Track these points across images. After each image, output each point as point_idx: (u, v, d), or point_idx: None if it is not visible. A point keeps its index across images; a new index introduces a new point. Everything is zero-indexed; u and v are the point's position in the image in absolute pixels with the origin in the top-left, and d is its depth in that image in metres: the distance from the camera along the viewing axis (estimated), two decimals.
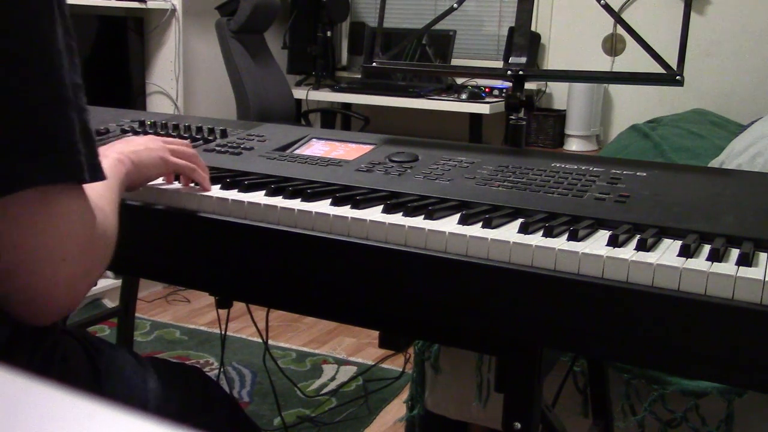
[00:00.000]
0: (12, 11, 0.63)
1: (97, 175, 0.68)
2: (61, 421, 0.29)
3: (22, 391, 0.31)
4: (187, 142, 1.07)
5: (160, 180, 1.03)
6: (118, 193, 0.84)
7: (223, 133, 1.29)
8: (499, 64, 3.73)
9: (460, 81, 3.75)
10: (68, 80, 0.66)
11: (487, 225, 0.87)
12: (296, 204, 0.95)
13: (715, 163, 1.93)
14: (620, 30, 3.54)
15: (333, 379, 2.38)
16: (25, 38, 0.63)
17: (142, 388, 0.93)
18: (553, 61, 3.84)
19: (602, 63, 3.68)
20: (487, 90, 3.62)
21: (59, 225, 0.65)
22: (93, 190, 0.77)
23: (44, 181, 0.63)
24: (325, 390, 2.30)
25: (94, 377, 0.88)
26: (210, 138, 1.27)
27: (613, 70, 3.54)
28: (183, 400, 0.98)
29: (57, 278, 0.65)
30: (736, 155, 1.81)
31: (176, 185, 1.04)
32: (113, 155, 0.89)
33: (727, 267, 0.75)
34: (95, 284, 0.75)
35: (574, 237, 0.83)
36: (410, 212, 0.91)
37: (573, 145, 3.62)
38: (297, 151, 1.22)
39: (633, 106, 3.69)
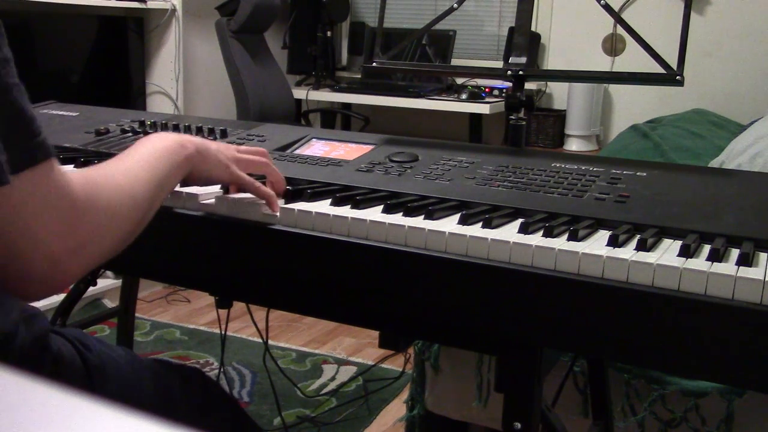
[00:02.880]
0: None
1: (37, 156, 0.64)
2: (54, 421, 0.29)
3: (16, 390, 0.31)
4: (263, 150, 1.01)
5: (218, 189, 1.00)
6: (167, 172, 0.81)
7: (223, 133, 1.29)
8: (499, 64, 3.73)
9: (460, 81, 3.75)
10: None
11: (487, 225, 0.87)
12: (296, 204, 0.95)
13: (715, 163, 1.93)
14: (620, 30, 3.54)
15: (333, 379, 2.38)
16: None
17: (138, 390, 0.92)
18: (553, 61, 3.84)
19: (602, 63, 3.68)
20: (487, 90, 3.62)
21: (20, 207, 0.63)
22: (104, 165, 0.75)
23: None
24: (325, 390, 2.30)
25: (88, 380, 0.88)
26: (210, 138, 1.27)
27: (613, 70, 3.54)
28: (183, 401, 0.98)
29: (35, 259, 0.64)
30: (736, 155, 1.81)
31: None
32: (177, 138, 0.86)
33: (727, 267, 0.75)
34: (104, 259, 0.73)
35: (574, 237, 0.83)
36: (410, 212, 0.91)
37: (573, 145, 3.62)
38: (297, 151, 1.22)
39: (633, 106, 3.69)
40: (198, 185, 0.95)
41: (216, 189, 1.02)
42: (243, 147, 1.00)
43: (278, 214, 0.94)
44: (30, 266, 0.64)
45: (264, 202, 0.96)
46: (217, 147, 0.94)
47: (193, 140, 0.89)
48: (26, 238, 0.64)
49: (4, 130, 0.62)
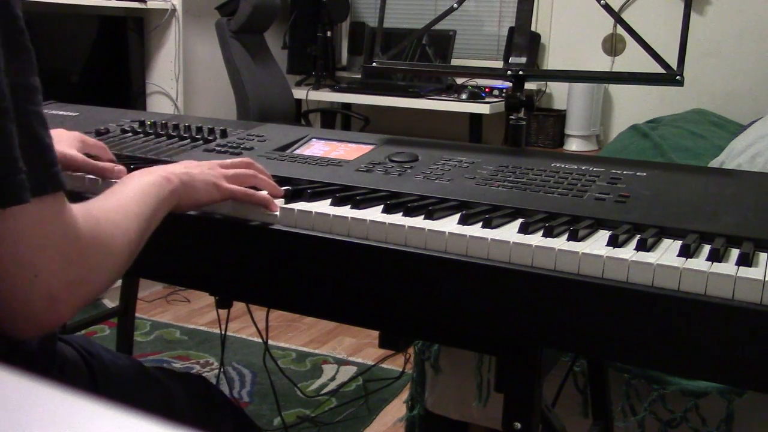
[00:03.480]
0: None
1: (47, 187, 0.63)
2: (58, 423, 0.29)
3: (21, 393, 0.31)
4: (248, 160, 1.01)
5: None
6: (155, 208, 0.81)
7: (223, 133, 1.29)
8: (499, 64, 3.73)
9: (460, 81, 3.75)
10: (3, 87, 0.60)
11: (487, 225, 0.87)
12: (296, 204, 0.95)
13: (715, 163, 1.93)
14: (620, 30, 3.54)
15: (333, 379, 2.38)
16: None
17: (142, 397, 0.92)
18: (553, 61, 3.84)
19: (602, 63, 3.68)
20: (487, 90, 3.62)
21: (25, 241, 0.61)
22: (100, 200, 0.76)
23: None
24: (325, 390, 2.30)
25: (92, 385, 0.88)
26: (210, 138, 1.27)
27: (613, 70, 3.54)
28: (187, 409, 0.98)
29: (32, 294, 0.62)
30: (736, 155, 1.81)
31: None
32: (161, 173, 0.86)
33: (727, 267, 0.75)
34: (98, 295, 0.72)
35: (574, 237, 0.83)
36: (410, 212, 0.91)
37: (573, 145, 3.62)
38: (297, 151, 1.22)
39: (633, 106, 3.69)
40: (188, 211, 0.94)
41: None
42: (227, 161, 0.99)
43: (278, 213, 0.94)
44: (28, 301, 0.63)
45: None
46: (200, 170, 0.92)
47: (175, 172, 0.88)
48: (26, 272, 0.62)
49: (19, 157, 0.61)
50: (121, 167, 1.04)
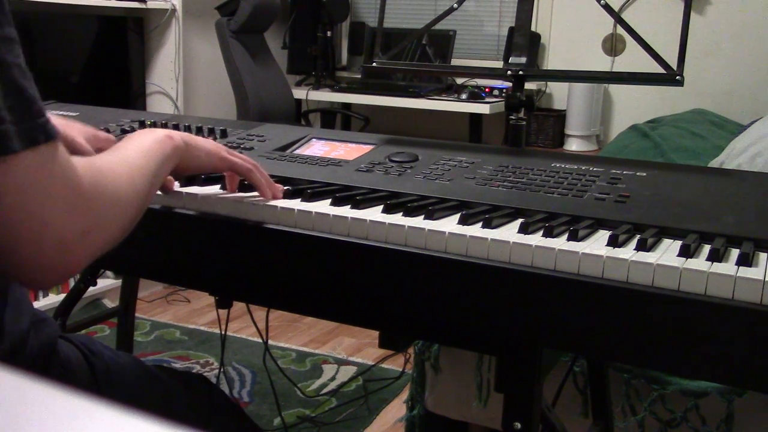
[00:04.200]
0: None
1: (39, 136, 0.62)
2: (59, 423, 0.29)
3: (22, 392, 0.31)
4: (251, 160, 1.02)
5: (218, 189, 1.01)
6: (159, 163, 0.82)
7: (223, 133, 1.29)
8: (499, 64, 3.73)
9: (460, 81, 3.75)
10: None
11: (487, 225, 0.87)
12: (296, 204, 0.95)
13: (715, 163, 1.93)
14: (620, 30, 3.54)
15: (333, 379, 2.38)
16: None
17: (143, 395, 0.92)
18: (553, 61, 3.84)
19: (602, 63, 3.68)
20: (487, 90, 3.62)
21: (29, 190, 0.62)
22: (103, 155, 0.75)
23: None
24: (325, 390, 2.30)
25: (94, 385, 0.88)
26: (210, 138, 1.27)
27: (613, 70, 3.54)
28: (187, 408, 0.98)
29: (44, 242, 0.63)
30: (736, 155, 1.81)
31: (211, 190, 1.01)
32: (164, 131, 0.87)
33: (727, 267, 0.75)
34: (109, 246, 0.72)
35: (574, 237, 0.83)
36: (410, 212, 0.91)
37: (573, 145, 3.62)
38: (297, 151, 1.22)
39: (633, 106, 3.69)
40: (190, 173, 0.95)
41: (216, 189, 1.02)
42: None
43: (269, 203, 0.94)
44: (39, 251, 0.63)
45: (257, 198, 0.97)
46: (206, 139, 0.94)
47: (179, 133, 0.89)
48: (34, 222, 0.62)
49: (2, 107, 0.60)
50: None
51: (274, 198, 0.97)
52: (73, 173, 0.66)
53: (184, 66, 3.28)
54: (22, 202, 0.62)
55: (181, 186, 1.02)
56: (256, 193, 0.98)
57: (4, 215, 0.61)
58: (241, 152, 1.19)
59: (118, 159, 0.76)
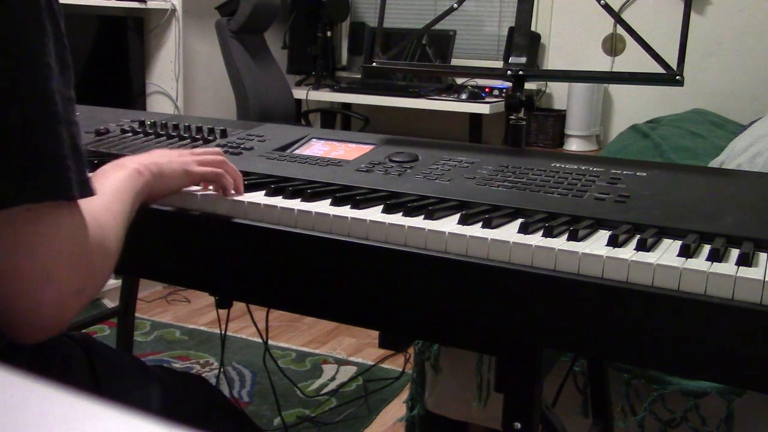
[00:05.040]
0: None
1: (86, 191, 0.66)
2: (58, 423, 0.29)
3: (21, 392, 0.31)
4: (217, 149, 1.04)
5: (195, 187, 1.02)
6: (132, 204, 0.83)
7: (223, 133, 1.29)
8: (499, 64, 3.73)
9: (460, 81, 3.75)
10: (58, 94, 0.64)
11: (487, 225, 0.87)
12: (296, 204, 0.95)
13: (715, 163, 1.93)
14: (620, 30, 3.54)
15: (333, 379, 2.38)
16: (12, 52, 0.61)
17: (144, 395, 0.92)
18: (553, 61, 3.84)
19: (602, 63, 3.68)
20: (487, 90, 3.62)
21: (46, 244, 0.62)
22: (95, 202, 0.76)
23: (32, 200, 0.61)
24: (325, 390, 2.30)
25: (94, 382, 0.88)
26: (210, 138, 1.27)
27: (613, 70, 3.54)
28: (186, 409, 0.98)
29: (43, 298, 0.63)
30: (736, 155, 1.81)
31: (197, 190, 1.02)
32: (132, 165, 0.87)
33: (727, 267, 0.75)
34: (93, 298, 0.73)
35: (574, 237, 0.83)
36: (410, 212, 0.91)
37: (573, 145, 3.62)
38: (297, 151, 1.22)
39: (633, 106, 3.69)
40: (159, 201, 0.96)
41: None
42: (198, 149, 1.01)
43: (275, 204, 0.95)
44: (35, 307, 0.63)
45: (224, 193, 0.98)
46: (169, 158, 0.94)
47: (144, 164, 0.89)
48: (41, 276, 0.62)
49: (60, 158, 0.63)
50: None
51: (237, 189, 1.00)
52: (84, 231, 0.67)
53: (184, 66, 3.28)
54: (35, 254, 0.62)
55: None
56: (256, 194, 0.98)
57: (10, 265, 0.62)
58: (240, 152, 1.20)
59: (102, 207, 0.76)
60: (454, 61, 3.81)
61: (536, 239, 0.82)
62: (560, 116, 3.67)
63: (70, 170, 0.63)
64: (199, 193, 1.00)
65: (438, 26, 1.41)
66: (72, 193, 0.63)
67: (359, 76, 4.04)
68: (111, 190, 0.80)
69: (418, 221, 0.88)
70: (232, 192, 0.99)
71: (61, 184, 0.63)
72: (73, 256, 0.65)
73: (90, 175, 0.68)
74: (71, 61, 0.67)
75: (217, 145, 1.23)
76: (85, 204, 0.68)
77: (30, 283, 0.62)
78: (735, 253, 0.79)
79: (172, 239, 1.04)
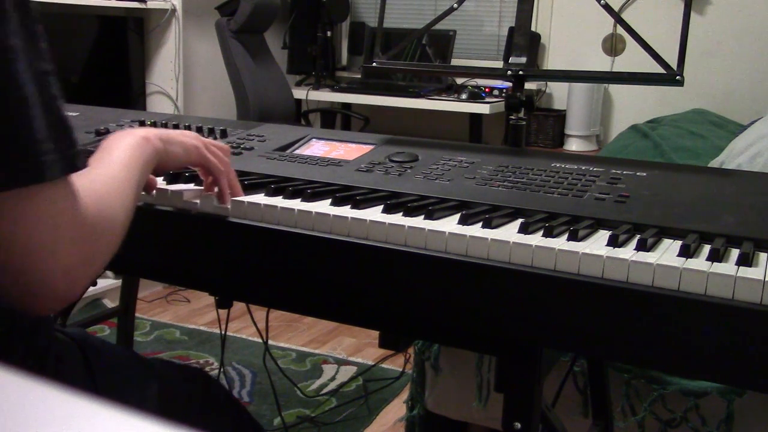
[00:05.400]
0: None
1: (74, 166, 0.66)
2: (54, 421, 0.29)
3: (17, 390, 0.31)
4: (226, 146, 1.03)
5: (192, 186, 1.01)
6: (141, 170, 0.83)
7: (223, 133, 1.29)
8: (499, 64, 3.73)
9: (460, 81, 3.75)
10: (27, 74, 0.63)
11: (487, 225, 0.87)
12: (296, 204, 0.95)
13: (715, 163, 1.93)
14: (620, 30, 3.54)
15: (333, 379, 2.38)
16: None
17: (141, 390, 0.92)
18: (553, 61, 3.84)
19: (602, 63, 3.68)
20: (487, 90, 3.62)
21: (41, 220, 0.64)
22: (96, 172, 0.76)
23: (12, 186, 0.62)
24: (325, 390, 2.30)
25: (90, 378, 0.88)
26: (210, 138, 1.27)
27: (613, 70, 3.54)
28: (186, 402, 0.98)
29: (51, 270, 0.64)
30: (736, 155, 1.81)
31: (188, 187, 1.02)
32: (140, 133, 0.87)
33: (727, 267, 0.75)
34: (102, 269, 0.74)
35: (574, 237, 0.83)
36: (410, 212, 0.91)
37: (573, 145, 3.62)
38: (297, 151, 1.22)
39: (633, 106, 3.69)
40: (170, 170, 0.96)
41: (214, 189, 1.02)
42: (209, 140, 1.01)
43: (229, 206, 0.95)
44: (45, 278, 0.64)
45: (215, 194, 0.98)
46: (181, 132, 0.95)
47: (154, 131, 0.89)
48: (45, 250, 0.64)
49: (47, 137, 0.63)
50: None
51: (234, 192, 0.99)
52: (82, 201, 0.68)
53: (184, 66, 3.28)
54: (34, 231, 0.63)
55: (167, 184, 1.03)
56: (256, 194, 0.98)
57: (14, 243, 0.63)
58: (240, 152, 1.19)
59: (108, 177, 0.77)
60: (454, 61, 3.81)
61: (536, 239, 0.82)
62: (560, 116, 3.67)
63: (45, 153, 0.63)
64: (199, 194, 1.00)
65: (438, 26, 1.41)
66: (49, 174, 0.63)
67: (359, 76, 4.04)
68: (117, 159, 0.80)
69: (418, 221, 0.88)
70: (228, 196, 0.98)
71: (36, 169, 0.63)
72: (72, 228, 0.66)
73: (83, 147, 0.67)
74: (42, 29, 0.66)
75: None
76: (84, 175, 0.69)
77: (38, 257, 0.64)
78: (735, 253, 0.79)
79: (172, 239, 1.04)
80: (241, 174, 1.09)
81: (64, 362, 0.86)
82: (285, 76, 3.65)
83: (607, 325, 0.78)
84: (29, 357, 0.81)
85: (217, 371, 2.37)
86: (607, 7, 1.27)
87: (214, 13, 3.36)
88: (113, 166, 0.79)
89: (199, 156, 0.95)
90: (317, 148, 1.22)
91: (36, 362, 0.82)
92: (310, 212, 0.92)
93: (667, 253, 0.80)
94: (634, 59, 3.48)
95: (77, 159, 0.67)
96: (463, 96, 3.55)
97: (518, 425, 0.87)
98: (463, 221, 0.88)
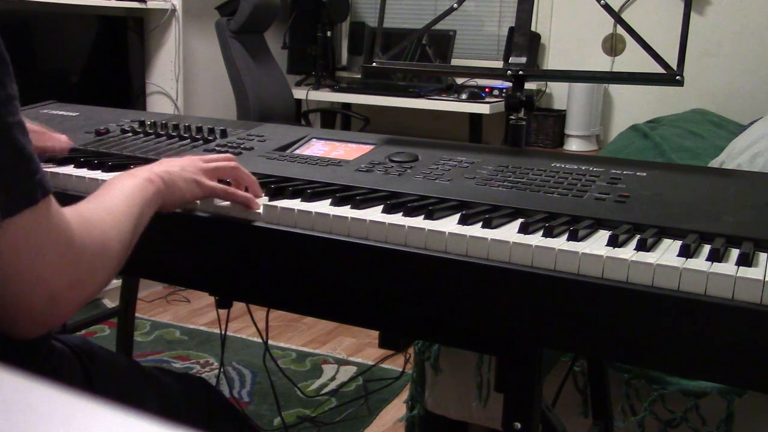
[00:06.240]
0: None
1: (37, 195, 0.64)
2: (53, 422, 0.29)
3: (15, 391, 0.31)
4: (229, 156, 1.03)
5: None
6: (141, 208, 0.83)
7: (223, 133, 1.29)
8: (499, 64, 3.73)
9: (460, 81, 3.75)
10: None
11: (487, 225, 0.87)
12: (296, 204, 0.95)
13: (715, 163, 1.93)
14: (620, 30, 3.54)
15: (333, 379, 2.38)
16: None
17: (140, 399, 0.92)
18: (553, 61, 3.84)
19: (602, 63, 3.68)
20: (487, 90, 3.62)
21: (24, 248, 0.63)
22: (89, 203, 0.76)
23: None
24: (325, 390, 2.30)
25: (88, 387, 0.87)
26: (210, 138, 1.27)
27: (613, 70, 3.54)
28: (186, 410, 0.98)
29: (35, 296, 0.64)
30: (736, 155, 1.81)
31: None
32: (144, 175, 0.87)
33: (727, 267, 0.75)
34: (96, 294, 0.73)
35: (574, 237, 0.83)
36: (410, 212, 0.91)
37: (573, 145, 3.62)
38: (297, 151, 1.22)
39: (633, 106, 3.69)
40: (175, 209, 0.95)
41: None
42: (208, 156, 1.00)
43: (260, 211, 0.95)
44: (29, 304, 0.64)
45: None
46: (181, 167, 0.93)
47: (157, 172, 0.89)
48: (27, 276, 0.64)
49: (3, 170, 0.62)
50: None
51: (256, 196, 0.98)
52: (65, 226, 0.67)
53: (184, 66, 3.28)
54: (15, 259, 0.63)
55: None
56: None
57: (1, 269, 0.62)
58: (240, 152, 1.19)
59: (104, 207, 0.77)
60: (454, 61, 3.81)
61: (536, 239, 0.82)
62: (560, 116, 3.67)
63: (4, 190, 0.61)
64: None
65: (438, 26, 1.41)
66: (13, 207, 0.62)
67: (359, 76, 4.04)
68: (117, 194, 0.81)
69: (418, 221, 0.88)
70: (255, 201, 0.97)
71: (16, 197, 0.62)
72: (55, 255, 0.65)
73: (42, 173, 0.65)
74: (6, 53, 0.64)
75: (217, 146, 1.23)
76: (73, 205, 0.69)
77: (19, 285, 0.64)
78: (735, 253, 0.79)
79: (172, 239, 1.04)
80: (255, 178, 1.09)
81: (61, 373, 0.86)
82: (285, 76, 3.64)
83: (607, 325, 0.78)
84: (25, 368, 0.81)
85: (217, 371, 2.37)
86: (607, 7, 1.27)
87: (214, 13, 3.36)
88: (111, 200, 0.79)
89: (202, 192, 0.95)
90: (317, 148, 1.22)
91: (32, 373, 0.81)
92: (310, 212, 0.92)
93: (667, 253, 0.80)
94: (634, 59, 3.48)
95: (42, 186, 0.65)
96: (463, 96, 3.55)
97: (518, 425, 0.87)
98: (463, 221, 0.88)
